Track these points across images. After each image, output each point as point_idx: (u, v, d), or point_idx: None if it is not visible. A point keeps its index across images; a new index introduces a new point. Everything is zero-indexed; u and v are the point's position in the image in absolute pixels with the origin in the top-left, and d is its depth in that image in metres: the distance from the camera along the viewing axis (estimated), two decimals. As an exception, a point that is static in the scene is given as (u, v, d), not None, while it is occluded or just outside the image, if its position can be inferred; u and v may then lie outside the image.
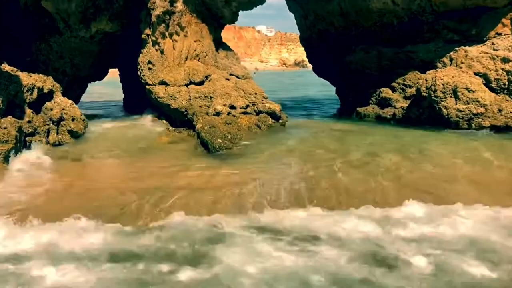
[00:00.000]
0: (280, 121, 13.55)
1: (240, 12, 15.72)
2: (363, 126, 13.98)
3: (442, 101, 12.19)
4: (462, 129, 11.94)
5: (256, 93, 13.51)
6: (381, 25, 15.18)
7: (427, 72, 13.50)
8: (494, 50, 12.35)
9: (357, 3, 15.08)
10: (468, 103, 11.84)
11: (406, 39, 14.88)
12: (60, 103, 12.09)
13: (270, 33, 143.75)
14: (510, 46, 12.61)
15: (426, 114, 12.92)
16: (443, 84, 12.16)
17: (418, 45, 14.59)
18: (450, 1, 13.31)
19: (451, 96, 12.09)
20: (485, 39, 13.21)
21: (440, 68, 13.85)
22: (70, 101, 12.35)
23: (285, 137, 12.02)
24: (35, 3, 12.36)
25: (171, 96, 13.36)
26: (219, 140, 10.50)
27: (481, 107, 11.68)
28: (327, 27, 17.14)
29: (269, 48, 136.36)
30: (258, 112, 13.16)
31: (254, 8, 16.12)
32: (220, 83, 13.48)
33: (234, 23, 15.98)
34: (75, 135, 11.76)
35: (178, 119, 13.73)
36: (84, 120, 12.26)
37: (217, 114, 12.51)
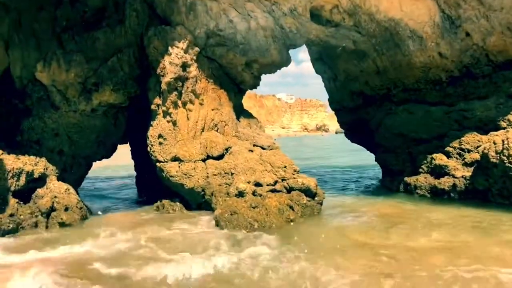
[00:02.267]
0: (316, 198, 11.21)
1: (260, 81, 14.05)
2: (420, 203, 11.49)
3: (521, 168, 9.72)
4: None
5: (285, 166, 11.31)
6: (426, 81, 13.13)
7: (491, 133, 11.16)
8: None
9: (396, 59, 13.17)
10: (558, 170, 9.34)
11: (458, 96, 12.73)
12: (53, 189, 10.12)
13: (290, 100, 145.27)
14: None
15: (498, 185, 10.40)
16: (519, 147, 9.75)
17: (474, 102, 12.37)
18: (510, 50, 11.24)
19: (532, 162, 9.63)
20: (559, 91, 10.94)
21: (506, 128, 11.52)
22: (66, 186, 10.38)
23: (327, 224, 9.61)
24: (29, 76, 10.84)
25: (185, 174, 11.28)
26: (243, 231, 8.16)
27: None
28: (361, 87, 15.22)
29: (290, 115, 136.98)
30: (289, 189, 10.89)
31: (278, 70, 14.40)
32: (242, 156, 11.39)
33: (255, 88, 14.20)
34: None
35: (194, 201, 11.56)
36: (81, 208, 10.19)
37: (240, 194, 10.29)
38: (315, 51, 16.32)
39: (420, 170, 13.15)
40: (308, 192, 10.96)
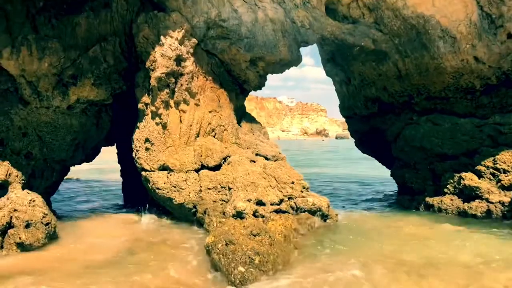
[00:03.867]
0: (328, 221, 9.56)
1: (266, 81, 12.41)
2: (447, 227, 9.79)
3: None
4: None
5: (293, 182, 9.64)
6: (456, 89, 11.46)
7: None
8: None
9: (422, 62, 11.50)
10: None
11: (493, 108, 11.07)
12: (14, 200, 8.41)
13: (291, 103, 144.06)
14: None
15: (547, 216, 8.75)
16: None
17: (511, 114, 10.72)
18: (560, 56, 9.60)
19: None
20: None
21: (550, 146, 9.89)
22: (31, 197, 8.67)
23: (345, 253, 7.90)
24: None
25: (175, 187, 9.61)
26: (240, 268, 6.47)
27: None
28: (378, 93, 13.54)
29: (291, 118, 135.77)
30: (297, 210, 9.22)
31: (286, 70, 12.74)
32: (243, 168, 9.71)
33: (260, 88, 12.52)
34: (29, 249, 7.95)
35: (184, 218, 9.88)
36: (48, 224, 8.48)
37: (239, 214, 8.60)
38: (327, 51, 14.59)
39: (445, 190, 11.47)
40: (319, 214, 9.30)
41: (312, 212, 9.20)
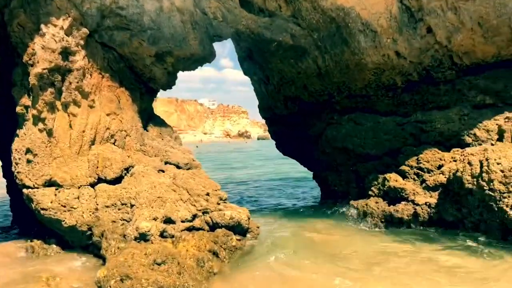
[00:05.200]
0: (248, 235, 8.46)
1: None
2: (371, 237, 9.16)
3: (504, 198, 7.69)
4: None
5: (208, 194, 8.41)
6: (378, 86, 10.95)
7: (466, 150, 9.14)
8: None
9: (342, 58, 10.84)
10: (553, 201, 7.42)
11: (415, 105, 10.69)
12: None
13: (212, 105, 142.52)
14: None
15: (475, 217, 8.33)
16: (502, 171, 7.73)
17: (432, 112, 10.40)
18: (478, 51, 9.35)
19: (520, 190, 7.65)
20: (532, 101, 9.22)
21: (470, 143, 9.64)
22: None
23: (264, 275, 6.83)
24: None
25: (65, 206, 7.94)
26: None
27: None
28: (298, 92, 12.75)
29: (213, 120, 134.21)
30: (213, 226, 8.01)
31: (200, 67, 11.51)
32: (148, 180, 8.30)
33: (170, 87, 11.14)
34: None
35: (77, 242, 8.24)
36: None
37: (142, 237, 7.20)
38: (244, 48, 13.53)
39: (370, 192, 10.91)
40: (239, 229, 8.17)
41: (231, 227, 8.04)
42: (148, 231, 7.21)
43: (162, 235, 7.41)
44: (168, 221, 7.65)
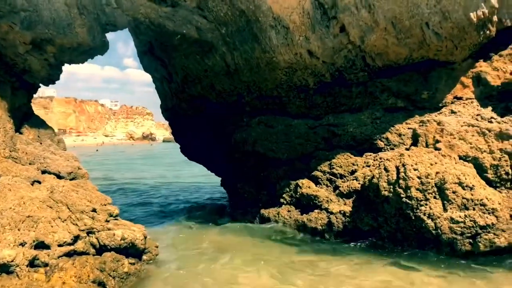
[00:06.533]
0: (145, 257, 7.19)
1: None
2: (276, 250, 8.38)
3: (421, 205, 7.34)
4: (464, 254, 7.19)
5: (95, 210, 6.98)
6: (289, 87, 10.29)
7: (380, 155, 8.76)
8: (480, 119, 8.19)
9: (253, 56, 10.01)
10: (467, 208, 7.17)
11: (327, 108, 10.19)
12: None
13: (115, 106, 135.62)
14: (476, 114, 8.66)
15: (391, 227, 7.92)
16: (419, 177, 7.38)
17: (344, 115, 9.98)
18: (391, 53, 9.05)
19: (435, 197, 7.34)
20: (440, 105, 9.14)
21: (383, 147, 9.33)
22: None
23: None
24: None
25: None
26: None
27: (490, 213, 7.09)
28: (204, 92, 11.70)
29: (115, 122, 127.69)
30: (100, 249, 6.61)
31: (90, 59, 9.95)
32: (15, 195, 6.65)
33: (53, 82, 9.42)
34: None
35: None
36: None
37: (4, 269, 5.61)
38: (144, 41, 12.06)
39: (282, 200, 10.19)
40: (133, 251, 6.86)
41: (122, 249, 6.71)
42: (12, 261, 5.63)
43: (32, 264, 5.88)
44: (41, 246, 6.12)
